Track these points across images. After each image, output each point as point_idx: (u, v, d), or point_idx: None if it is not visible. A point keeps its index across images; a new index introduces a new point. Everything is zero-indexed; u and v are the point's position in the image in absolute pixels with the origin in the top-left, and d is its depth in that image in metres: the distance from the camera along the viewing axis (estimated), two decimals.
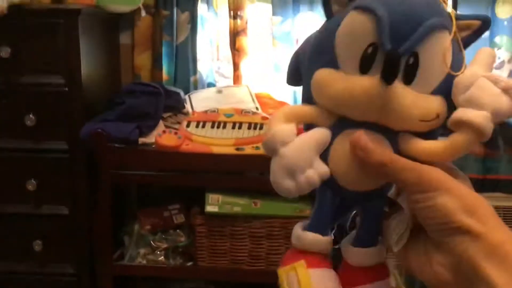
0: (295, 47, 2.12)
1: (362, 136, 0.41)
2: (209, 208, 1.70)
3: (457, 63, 0.40)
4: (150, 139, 1.76)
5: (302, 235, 0.44)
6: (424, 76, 0.39)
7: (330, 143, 0.42)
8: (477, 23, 0.41)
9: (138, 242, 1.79)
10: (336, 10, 0.42)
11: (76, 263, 1.80)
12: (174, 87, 2.06)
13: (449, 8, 0.41)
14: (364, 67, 0.40)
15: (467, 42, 0.41)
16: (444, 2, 0.41)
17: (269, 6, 2.12)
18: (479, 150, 2.04)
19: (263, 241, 1.72)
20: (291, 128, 0.42)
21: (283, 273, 0.44)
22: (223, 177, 1.71)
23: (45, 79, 1.75)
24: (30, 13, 1.75)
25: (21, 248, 1.80)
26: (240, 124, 1.75)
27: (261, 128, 1.73)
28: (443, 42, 0.39)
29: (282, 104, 2.02)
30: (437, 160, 0.40)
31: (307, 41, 0.46)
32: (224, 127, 1.75)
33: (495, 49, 2.05)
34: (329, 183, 0.42)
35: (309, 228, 0.45)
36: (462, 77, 0.39)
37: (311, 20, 2.12)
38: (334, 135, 0.43)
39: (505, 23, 2.04)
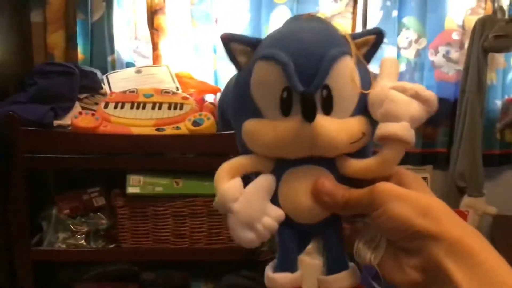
0: (215, 27, 2.13)
1: (326, 182, 0.44)
2: (131, 190, 1.68)
3: (366, 80, 0.44)
4: (66, 121, 1.71)
5: (273, 278, 0.46)
6: (340, 102, 0.42)
7: (277, 186, 0.45)
8: (372, 37, 0.44)
9: (56, 227, 1.75)
10: (243, 61, 0.45)
11: None
12: (90, 67, 2.00)
13: (345, 31, 0.44)
14: (285, 111, 0.43)
15: (369, 56, 0.45)
16: (338, 29, 0.44)
17: None
18: None
19: (186, 219, 1.73)
20: (237, 183, 0.45)
21: None
22: (143, 158, 1.70)
23: None
24: None
25: None
26: (160, 104, 1.73)
27: (181, 108, 1.72)
28: (347, 66, 0.42)
29: (202, 83, 2.02)
30: (373, 175, 0.44)
31: (226, 89, 0.49)
32: (144, 107, 1.73)
33: (403, 29, 2.16)
34: (285, 222, 0.45)
35: (278, 269, 0.47)
36: (373, 93, 0.43)
37: (230, 0, 2.12)
38: (278, 178, 0.45)
39: (412, 4, 2.15)
